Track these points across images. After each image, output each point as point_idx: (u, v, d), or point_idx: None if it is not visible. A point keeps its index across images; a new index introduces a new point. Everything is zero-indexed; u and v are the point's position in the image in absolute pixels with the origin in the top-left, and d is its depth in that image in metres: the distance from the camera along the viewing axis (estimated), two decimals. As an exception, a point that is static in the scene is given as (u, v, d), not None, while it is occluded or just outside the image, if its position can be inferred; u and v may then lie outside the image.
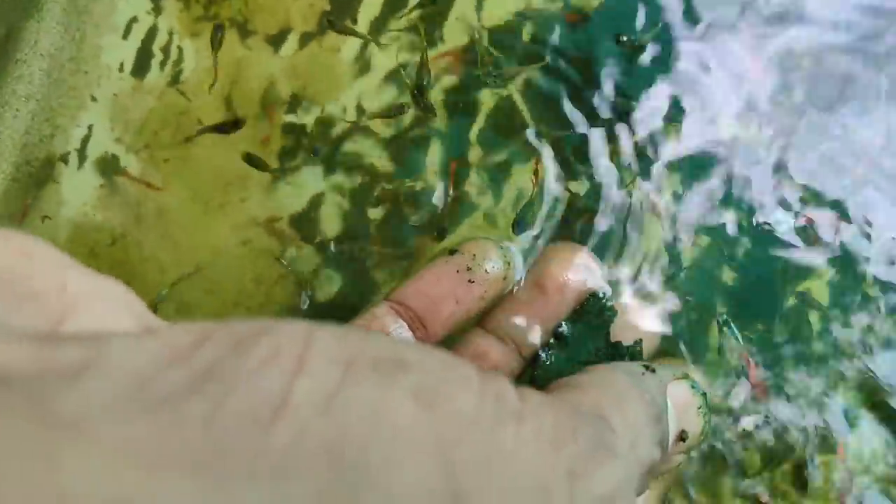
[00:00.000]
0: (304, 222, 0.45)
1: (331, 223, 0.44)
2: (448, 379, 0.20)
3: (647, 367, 0.30)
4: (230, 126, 0.44)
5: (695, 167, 0.44)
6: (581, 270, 0.35)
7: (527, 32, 0.46)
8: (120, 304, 0.21)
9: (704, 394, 0.31)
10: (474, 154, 0.45)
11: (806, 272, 0.42)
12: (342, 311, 0.44)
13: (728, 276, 0.42)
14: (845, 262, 0.42)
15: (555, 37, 0.46)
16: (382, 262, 0.44)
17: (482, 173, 0.45)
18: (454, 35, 0.46)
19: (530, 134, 0.45)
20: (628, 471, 0.24)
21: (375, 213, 0.45)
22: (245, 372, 0.17)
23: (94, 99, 0.45)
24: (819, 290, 0.42)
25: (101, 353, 0.17)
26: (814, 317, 0.42)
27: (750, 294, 0.42)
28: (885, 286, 0.42)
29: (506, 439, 0.20)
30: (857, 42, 0.44)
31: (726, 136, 0.43)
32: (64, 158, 0.45)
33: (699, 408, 0.30)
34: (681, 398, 0.30)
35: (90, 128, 0.45)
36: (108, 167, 0.45)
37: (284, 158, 0.45)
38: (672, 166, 0.44)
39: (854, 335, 0.42)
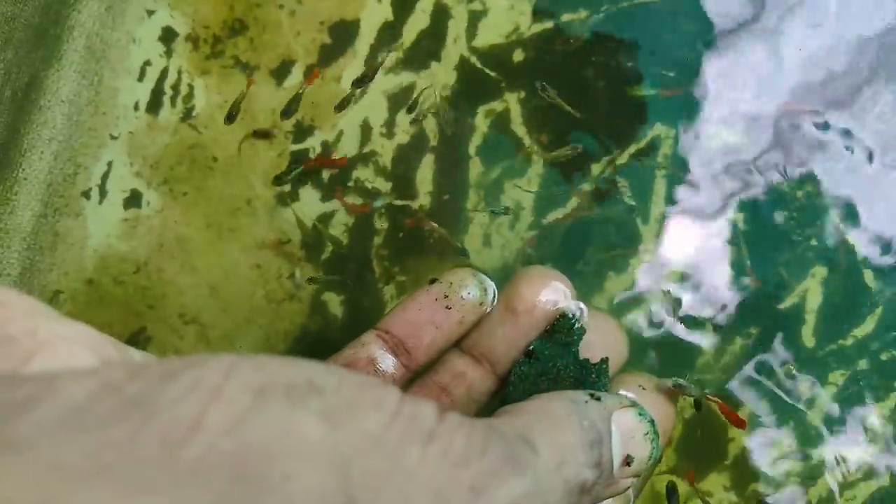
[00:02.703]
0: (310, 244, 0.47)
1: (336, 242, 0.47)
2: (359, 401, 0.23)
3: (592, 396, 0.31)
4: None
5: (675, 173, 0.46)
6: (551, 292, 0.37)
7: (518, 55, 0.49)
8: (82, 345, 0.25)
9: (652, 421, 0.32)
10: (474, 170, 0.47)
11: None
12: (349, 328, 0.46)
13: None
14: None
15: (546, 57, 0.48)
16: (385, 279, 0.47)
17: (479, 190, 0.47)
18: (449, 57, 0.49)
19: (526, 147, 0.47)
20: (540, 487, 0.25)
21: (378, 233, 0.47)
22: (167, 400, 0.20)
23: (112, 138, 0.48)
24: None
25: (50, 388, 0.21)
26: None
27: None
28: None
29: (410, 456, 0.22)
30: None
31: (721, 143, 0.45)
32: (87, 194, 0.48)
33: (646, 434, 0.32)
34: (626, 425, 0.31)
35: (110, 165, 0.48)
36: (130, 201, 0.48)
37: (294, 184, 0.48)
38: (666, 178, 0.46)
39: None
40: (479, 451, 0.24)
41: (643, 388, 0.38)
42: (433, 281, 0.38)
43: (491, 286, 0.38)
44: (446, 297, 0.37)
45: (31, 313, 0.24)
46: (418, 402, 0.24)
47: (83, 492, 0.18)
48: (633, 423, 0.32)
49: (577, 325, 0.37)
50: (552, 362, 0.36)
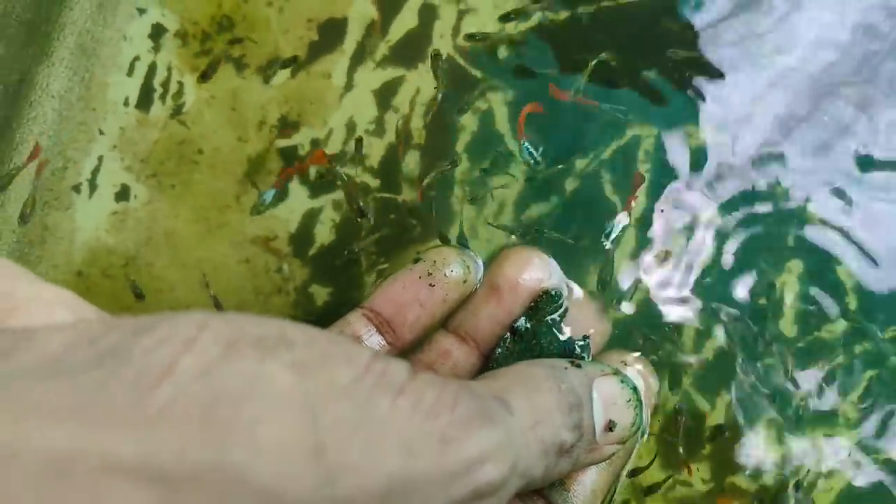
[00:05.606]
0: (298, 238, 0.48)
1: (324, 238, 0.48)
2: (331, 355, 0.24)
3: (572, 363, 0.32)
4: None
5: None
6: (534, 270, 0.38)
7: (502, 52, 0.49)
8: (60, 305, 0.26)
9: (635, 388, 0.33)
10: (460, 166, 0.48)
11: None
12: (335, 317, 0.47)
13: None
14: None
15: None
16: (371, 270, 0.47)
17: (465, 186, 0.48)
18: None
19: (510, 144, 0.48)
20: (513, 442, 0.26)
21: (365, 227, 0.48)
22: (141, 350, 0.21)
23: (102, 133, 0.49)
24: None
25: (27, 339, 0.22)
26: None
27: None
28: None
29: (380, 407, 0.23)
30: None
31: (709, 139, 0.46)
32: (77, 188, 0.49)
33: (628, 401, 0.32)
34: (608, 391, 0.32)
35: (100, 159, 0.49)
36: (119, 195, 0.49)
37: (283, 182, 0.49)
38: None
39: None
40: (449, 405, 0.25)
41: (625, 364, 0.38)
42: (417, 260, 0.38)
43: (475, 264, 0.39)
44: (430, 274, 0.37)
45: (10, 277, 0.25)
46: (390, 360, 0.25)
47: (55, 429, 0.19)
48: (614, 389, 0.32)
49: (560, 303, 0.37)
50: (536, 339, 0.37)
